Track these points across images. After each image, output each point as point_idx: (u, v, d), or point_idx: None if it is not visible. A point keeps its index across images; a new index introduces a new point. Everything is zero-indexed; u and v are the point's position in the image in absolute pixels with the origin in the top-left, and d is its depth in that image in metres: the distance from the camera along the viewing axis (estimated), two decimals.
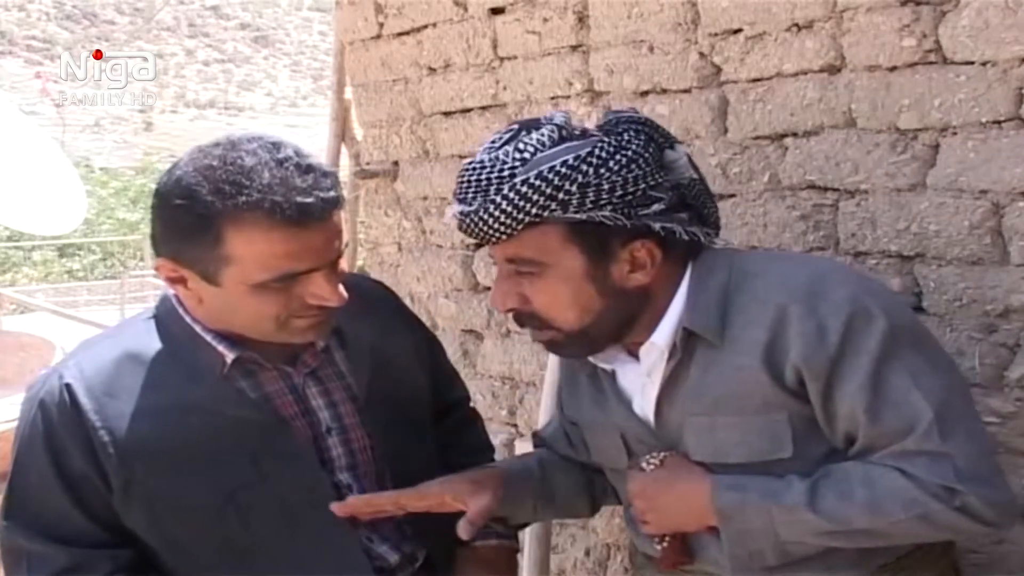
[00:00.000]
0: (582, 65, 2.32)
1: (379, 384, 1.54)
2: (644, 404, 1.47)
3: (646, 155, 1.36)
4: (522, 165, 1.34)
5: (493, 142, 1.40)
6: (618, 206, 1.34)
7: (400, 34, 2.81)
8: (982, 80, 1.65)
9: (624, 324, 1.42)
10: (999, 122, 1.65)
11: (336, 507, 1.44)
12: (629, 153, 1.35)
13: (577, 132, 1.38)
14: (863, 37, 1.79)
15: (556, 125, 1.38)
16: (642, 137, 1.38)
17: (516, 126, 1.41)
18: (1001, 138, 1.65)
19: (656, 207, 1.37)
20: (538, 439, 1.75)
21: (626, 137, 1.36)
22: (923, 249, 1.77)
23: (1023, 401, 1.68)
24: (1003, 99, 1.63)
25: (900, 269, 1.81)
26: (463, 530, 1.47)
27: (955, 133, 1.71)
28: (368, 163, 3.06)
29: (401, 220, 2.97)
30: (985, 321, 1.70)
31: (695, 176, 1.43)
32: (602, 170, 1.33)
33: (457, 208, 1.39)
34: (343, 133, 3.26)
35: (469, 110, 2.65)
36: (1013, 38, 1.60)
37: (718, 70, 2.05)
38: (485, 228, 1.36)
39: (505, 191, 1.33)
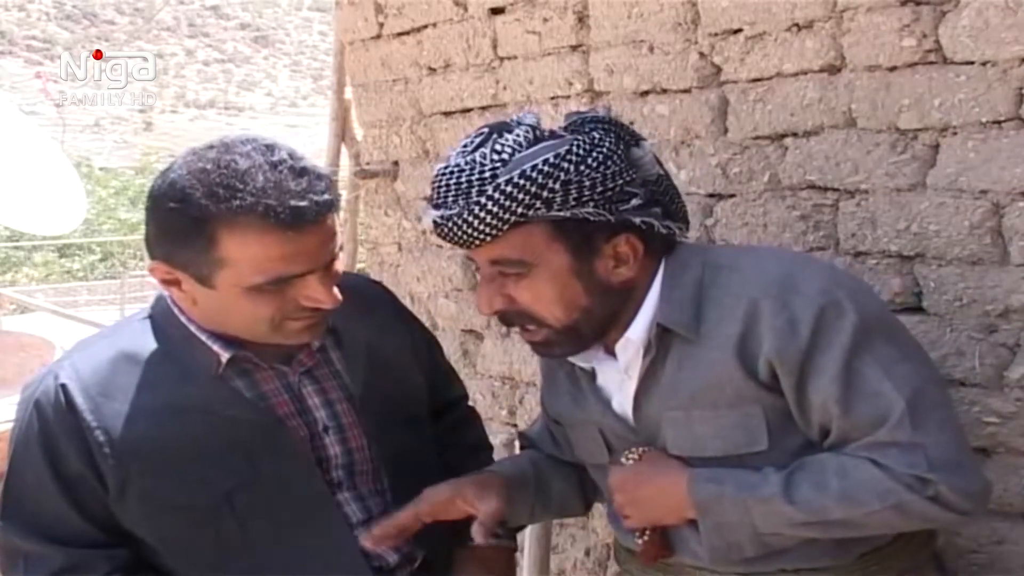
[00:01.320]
0: (582, 65, 2.31)
1: (376, 383, 1.54)
2: (623, 400, 1.48)
3: (618, 152, 1.38)
4: (503, 166, 1.34)
5: (465, 146, 1.40)
6: (599, 202, 1.35)
7: (400, 34, 2.80)
8: (982, 80, 1.65)
9: (609, 320, 1.43)
10: (999, 122, 1.65)
11: (366, 541, 1.46)
12: (604, 150, 1.36)
13: (547, 133, 1.39)
14: (863, 37, 1.79)
15: (529, 126, 1.39)
16: (611, 135, 1.39)
17: (486, 129, 1.41)
18: (1001, 138, 1.65)
19: (634, 202, 1.39)
20: (524, 439, 1.76)
21: (596, 136, 1.38)
22: (923, 249, 1.77)
23: (1023, 401, 1.67)
24: (1003, 99, 1.63)
25: (900, 269, 1.81)
26: (477, 533, 1.47)
27: (955, 133, 1.70)
28: (368, 163, 3.06)
29: (401, 220, 2.97)
30: (985, 321, 1.70)
31: (661, 172, 1.45)
32: (582, 167, 1.34)
33: (436, 213, 1.39)
34: (343, 133, 3.26)
35: (469, 110, 2.65)
36: (1013, 38, 1.60)
37: (718, 70, 2.05)
38: (469, 231, 1.35)
39: (489, 192, 1.33)
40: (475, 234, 1.36)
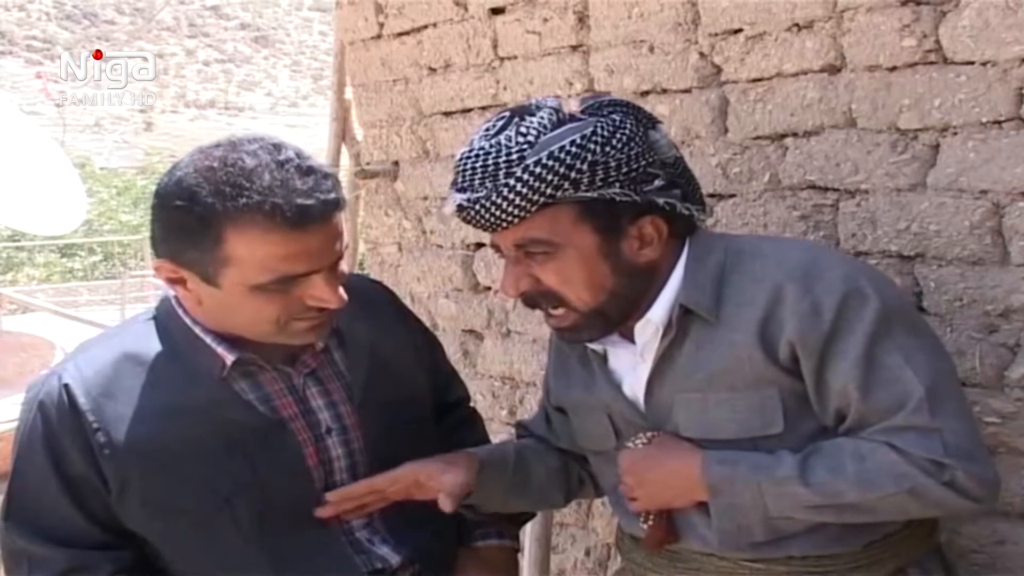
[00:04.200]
0: (582, 65, 2.32)
1: (378, 384, 1.54)
2: (635, 384, 1.48)
3: (639, 133, 1.39)
4: (529, 148, 1.35)
5: (488, 129, 1.40)
6: (625, 183, 1.36)
7: (400, 34, 2.81)
8: (982, 80, 1.65)
9: (634, 302, 1.43)
10: (999, 122, 1.65)
11: (320, 512, 1.45)
12: (627, 131, 1.37)
13: (568, 116, 1.40)
14: (863, 37, 1.79)
15: (552, 108, 1.39)
16: (631, 117, 1.40)
17: (508, 113, 1.41)
18: (1001, 138, 1.65)
19: (657, 183, 1.39)
20: (520, 428, 1.76)
21: (616, 118, 1.38)
22: (923, 249, 1.77)
23: (1023, 401, 1.68)
24: (1003, 99, 1.63)
25: (900, 269, 1.81)
26: (444, 503, 1.47)
27: (955, 133, 1.71)
28: (368, 163, 3.06)
29: (401, 220, 2.97)
30: (985, 321, 1.70)
31: (678, 155, 1.46)
32: (607, 148, 1.35)
33: (461, 196, 1.39)
34: (343, 133, 3.26)
35: (469, 110, 2.65)
36: (1013, 38, 1.60)
37: (718, 70, 2.05)
38: (498, 212, 1.36)
39: (518, 173, 1.34)
40: (503, 216, 1.36)
